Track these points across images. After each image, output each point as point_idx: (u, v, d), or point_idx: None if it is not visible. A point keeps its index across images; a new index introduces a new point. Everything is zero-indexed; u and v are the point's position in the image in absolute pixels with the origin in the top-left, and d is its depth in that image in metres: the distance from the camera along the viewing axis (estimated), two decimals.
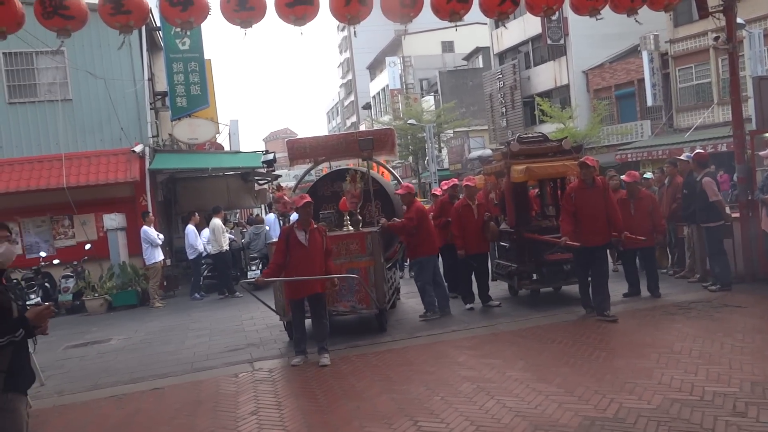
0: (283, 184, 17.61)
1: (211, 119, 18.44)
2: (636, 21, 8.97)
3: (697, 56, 24.74)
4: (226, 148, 22.30)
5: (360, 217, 8.39)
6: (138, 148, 14.58)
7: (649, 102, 25.93)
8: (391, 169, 12.03)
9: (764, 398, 4.61)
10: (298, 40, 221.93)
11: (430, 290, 8.63)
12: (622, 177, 9.04)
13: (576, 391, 5.14)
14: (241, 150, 20.99)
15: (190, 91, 16.74)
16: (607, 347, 6.51)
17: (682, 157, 10.02)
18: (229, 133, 23.53)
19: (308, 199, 7.06)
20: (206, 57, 16.95)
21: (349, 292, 7.80)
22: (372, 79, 56.68)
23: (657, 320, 7.36)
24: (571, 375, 5.60)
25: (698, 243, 9.25)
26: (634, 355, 6.03)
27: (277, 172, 20.68)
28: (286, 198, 9.00)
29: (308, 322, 7.23)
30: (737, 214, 9.04)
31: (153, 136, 16.25)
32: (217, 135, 20.33)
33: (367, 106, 57.49)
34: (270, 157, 16.72)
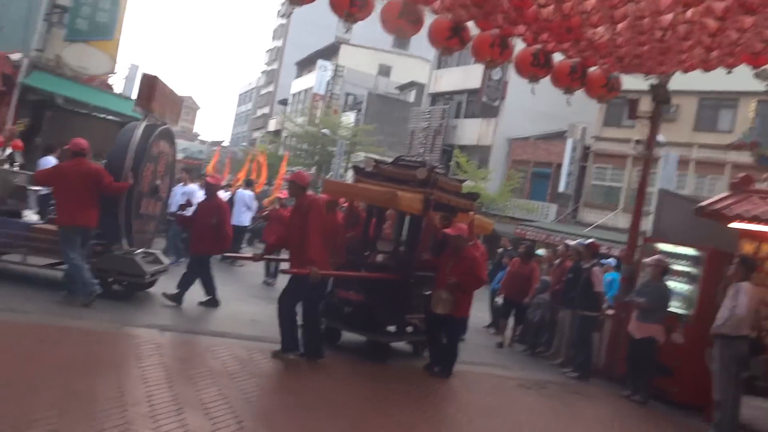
0: None
1: (110, 54, 17.58)
2: (567, 102, 9.74)
3: (615, 160, 26.88)
4: (118, 92, 21.29)
5: None
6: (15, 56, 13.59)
7: (561, 188, 27.72)
8: None
9: None
10: (233, 9, 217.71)
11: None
12: (446, 230, 7.93)
13: None
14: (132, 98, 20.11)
15: (95, 15, 15.87)
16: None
17: (574, 243, 10.73)
18: (126, 77, 22.49)
19: None
20: None
21: None
22: (297, 77, 56.48)
23: (510, 390, 7.79)
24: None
25: (569, 328, 9.90)
26: (480, 415, 6.35)
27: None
28: None
29: None
30: (611, 312, 9.80)
31: (37, 50, 15.25)
32: (111, 75, 19.39)
33: (284, 102, 57.05)
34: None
